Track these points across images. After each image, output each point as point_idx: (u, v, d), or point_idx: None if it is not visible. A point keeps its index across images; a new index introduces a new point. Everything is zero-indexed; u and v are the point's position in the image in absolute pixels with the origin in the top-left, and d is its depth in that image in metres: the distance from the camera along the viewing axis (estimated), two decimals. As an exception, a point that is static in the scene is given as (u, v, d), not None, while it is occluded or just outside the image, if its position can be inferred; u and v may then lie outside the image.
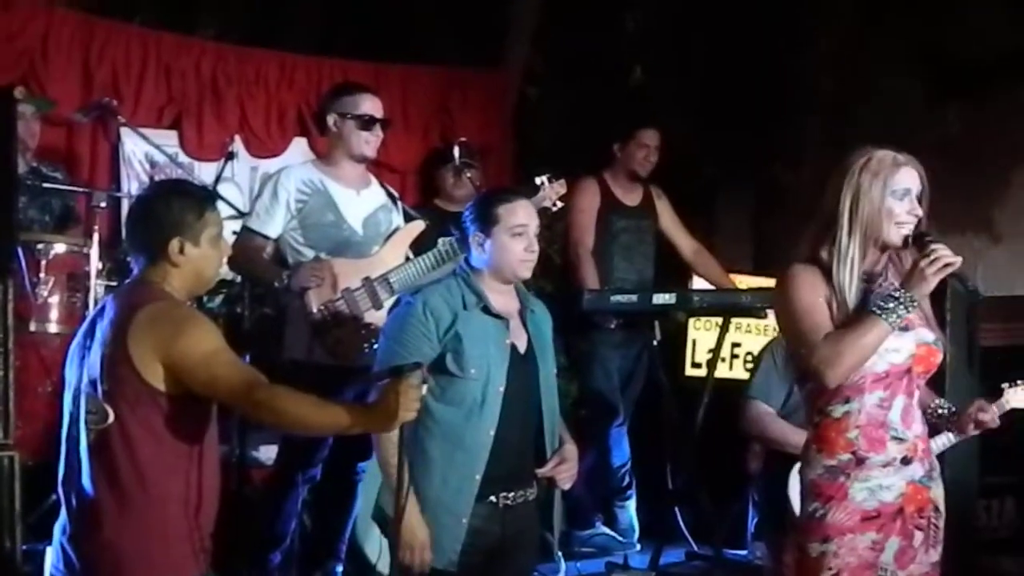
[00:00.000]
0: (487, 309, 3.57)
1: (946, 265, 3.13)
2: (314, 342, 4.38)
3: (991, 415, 3.60)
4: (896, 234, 3.22)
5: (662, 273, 6.07)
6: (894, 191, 3.22)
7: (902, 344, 3.24)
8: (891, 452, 3.25)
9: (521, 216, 3.60)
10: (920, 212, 3.24)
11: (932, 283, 3.16)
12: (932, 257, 3.13)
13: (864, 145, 3.31)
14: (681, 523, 5.71)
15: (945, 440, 4.73)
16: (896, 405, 3.25)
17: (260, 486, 4.93)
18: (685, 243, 6.06)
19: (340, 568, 4.58)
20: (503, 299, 3.62)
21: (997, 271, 6.43)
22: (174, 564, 2.95)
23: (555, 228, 6.21)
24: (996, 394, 4.95)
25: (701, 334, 6.24)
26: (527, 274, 3.64)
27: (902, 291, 3.16)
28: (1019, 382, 4.83)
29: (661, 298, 5.38)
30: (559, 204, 4.90)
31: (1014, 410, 4.98)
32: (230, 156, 5.48)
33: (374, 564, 4.75)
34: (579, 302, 5.40)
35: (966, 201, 6.50)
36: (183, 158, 6.01)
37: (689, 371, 6.24)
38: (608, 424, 5.82)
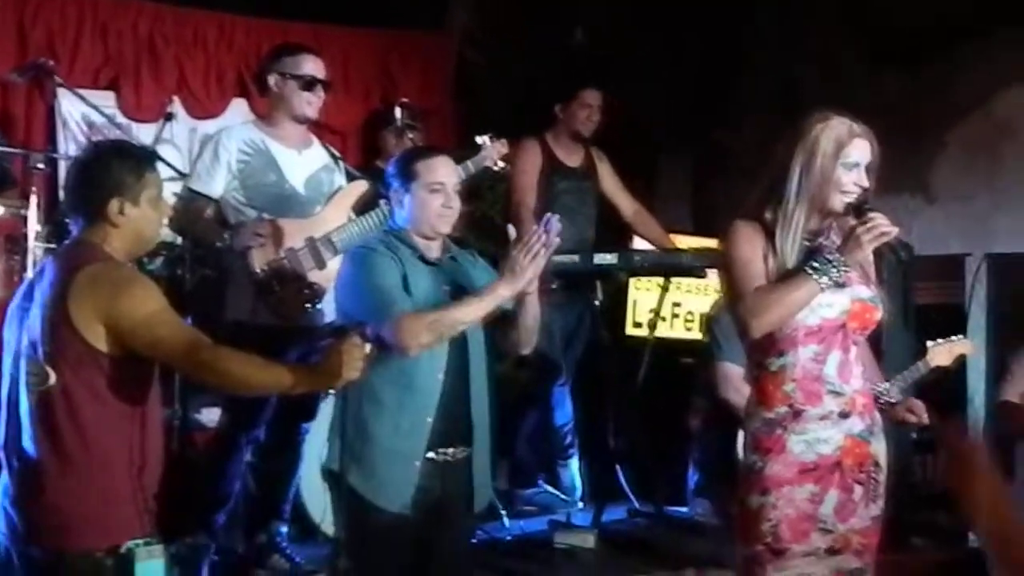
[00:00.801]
0: (423, 258, 3.62)
1: (882, 234, 3.22)
2: (257, 303, 4.37)
3: (917, 417, 3.66)
4: (840, 202, 3.29)
5: (603, 234, 6.09)
6: (846, 163, 3.29)
7: (836, 300, 3.31)
8: (828, 405, 3.32)
9: (439, 172, 3.65)
10: (866, 183, 3.30)
11: (867, 250, 3.26)
12: (869, 225, 3.21)
13: (810, 110, 3.38)
14: (623, 481, 5.76)
15: (915, 371, 4.85)
16: (832, 359, 3.32)
17: (203, 448, 4.91)
18: (626, 204, 6.09)
19: (285, 529, 4.60)
20: (432, 251, 3.68)
21: (932, 231, 6.53)
22: (117, 525, 2.94)
23: (497, 189, 6.23)
24: (923, 352, 5.07)
25: (642, 294, 6.28)
26: (446, 229, 3.67)
27: (836, 255, 3.24)
28: (940, 340, 4.94)
29: (602, 258, 5.41)
30: (501, 164, 4.92)
31: (943, 367, 5.10)
32: (169, 117, 5.44)
33: (319, 524, 4.78)
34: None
35: (903, 163, 6.56)
36: (121, 119, 5.95)
37: (630, 331, 6.29)
38: (551, 384, 5.86)
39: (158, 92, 6.04)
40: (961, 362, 5.27)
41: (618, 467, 5.72)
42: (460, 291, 3.63)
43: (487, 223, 6.37)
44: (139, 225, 3.05)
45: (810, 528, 3.30)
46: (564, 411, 5.93)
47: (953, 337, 5.07)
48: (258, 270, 4.37)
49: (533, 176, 5.84)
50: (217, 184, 4.52)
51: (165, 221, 3.23)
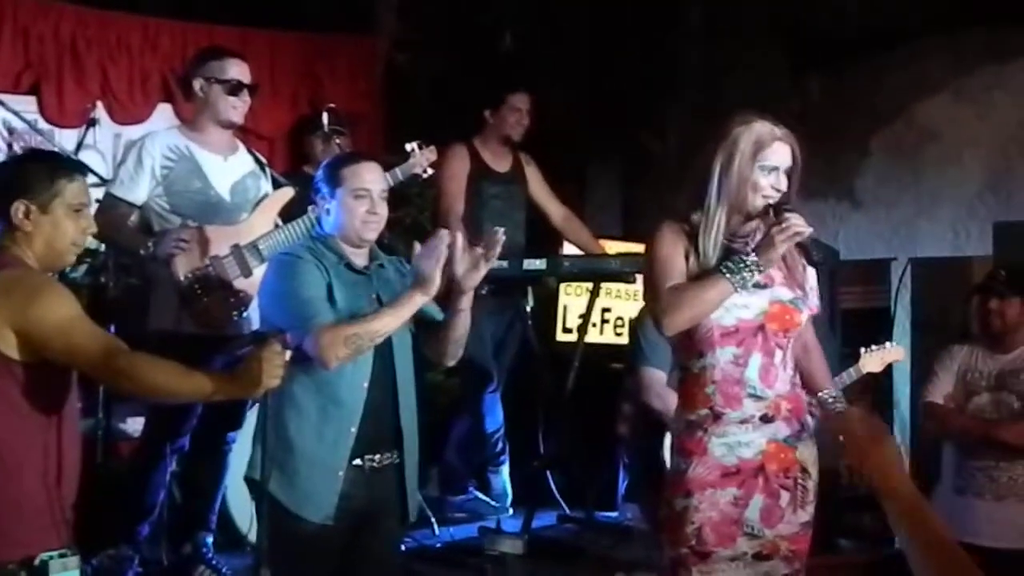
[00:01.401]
0: (350, 266, 3.60)
1: (796, 233, 3.25)
2: (182, 311, 4.31)
3: None
4: (759, 204, 3.32)
5: (533, 240, 6.10)
6: (763, 166, 3.32)
7: (753, 301, 3.33)
8: (748, 409, 3.33)
9: (364, 178, 3.64)
10: (783, 186, 3.33)
11: (781, 249, 3.27)
12: (784, 225, 3.24)
13: (733, 114, 3.41)
14: (553, 487, 5.76)
15: (846, 377, 4.90)
16: (753, 363, 3.33)
17: (127, 458, 4.84)
18: (555, 209, 6.09)
19: (211, 539, 4.54)
20: (359, 259, 3.66)
21: (857, 236, 6.62)
22: (31, 536, 2.87)
23: (426, 195, 6.20)
24: (855, 357, 5.13)
25: (572, 300, 6.29)
26: (372, 236, 3.66)
27: (751, 255, 3.26)
28: (874, 348, 5.01)
29: (532, 264, 5.42)
30: (430, 171, 4.90)
31: (871, 373, 5.17)
32: (92, 122, 5.38)
33: (245, 534, 4.74)
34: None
35: (828, 169, 6.65)
36: (43, 125, 5.83)
37: (560, 336, 6.29)
38: (481, 390, 5.84)
39: (81, 97, 5.94)
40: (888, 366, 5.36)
41: (548, 473, 5.72)
42: (389, 300, 3.61)
43: (417, 229, 6.35)
44: (49, 234, 2.98)
45: (735, 532, 3.31)
46: (495, 418, 5.91)
47: (886, 344, 5.15)
48: (182, 278, 4.31)
49: (462, 182, 5.83)
50: (141, 190, 4.46)
51: (87, 236, 3.11)
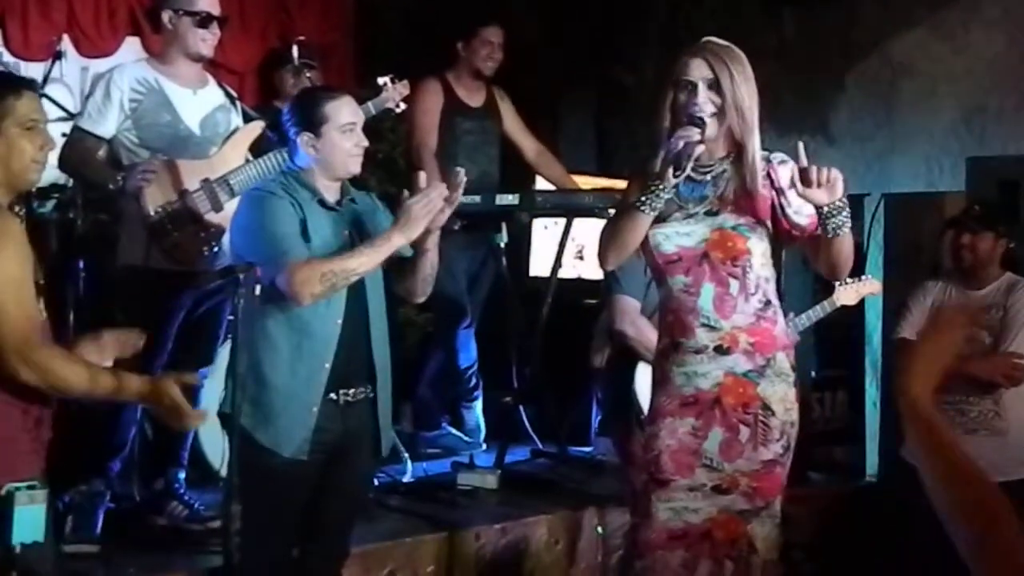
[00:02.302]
0: (323, 203, 3.58)
1: (688, 143, 3.19)
2: (151, 246, 4.27)
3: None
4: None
5: (507, 175, 6.07)
6: (678, 81, 3.29)
7: (695, 228, 3.32)
8: (701, 339, 3.31)
9: (349, 113, 3.62)
10: (701, 101, 3.26)
11: (670, 164, 3.19)
12: (677, 135, 3.21)
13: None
14: (526, 422, 5.79)
15: (820, 310, 4.92)
16: (705, 292, 3.31)
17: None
18: (528, 144, 6.05)
19: (183, 474, 4.53)
20: (332, 194, 3.63)
21: (831, 172, 6.60)
22: (10, 464, 2.82)
23: (399, 130, 6.15)
24: (829, 291, 5.14)
25: (545, 235, 6.27)
26: (358, 169, 3.66)
27: (651, 179, 3.24)
28: (849, 280, 5.01)
29: (504, 199, 5.40)
30: (402, 105, 4.86)
31: (844, 306, 5.19)
32: (58, 56, 5.28)
33: (217, 469, 4.74)
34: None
35: (802, 103, 6.64)
36: (8, 58, 5.75)
37: (533, 271, 6.28)
38: (455, 326, 5.84)
39: (46, 29, 5.83)
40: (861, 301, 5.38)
41: (521, 408, 5.73)
42: (361, 236, 3.60)
43: (390, 164, 6.31)
44: (4, 156, 2.84)
45: (693, 462, 3.31)
46: (468, 353, 5.92)
47: (861, 277, 5.16)
48: (152, 213, 4.26)
49: (435, 116, 5.78)
50: (109, 124, 4.39)
51: (44, 154, 2.94)
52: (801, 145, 3.20)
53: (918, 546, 4.67)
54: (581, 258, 6.23)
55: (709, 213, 3.31)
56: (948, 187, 6.09)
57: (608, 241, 3.33)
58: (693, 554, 3.34)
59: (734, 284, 3.32)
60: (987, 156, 5.87)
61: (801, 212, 3.35)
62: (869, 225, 6.08)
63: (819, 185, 3.15)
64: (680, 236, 3.32)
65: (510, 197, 5.41)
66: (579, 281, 6.15)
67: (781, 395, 3.36)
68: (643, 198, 3.24)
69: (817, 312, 5.11)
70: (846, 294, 5.11)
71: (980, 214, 4.88)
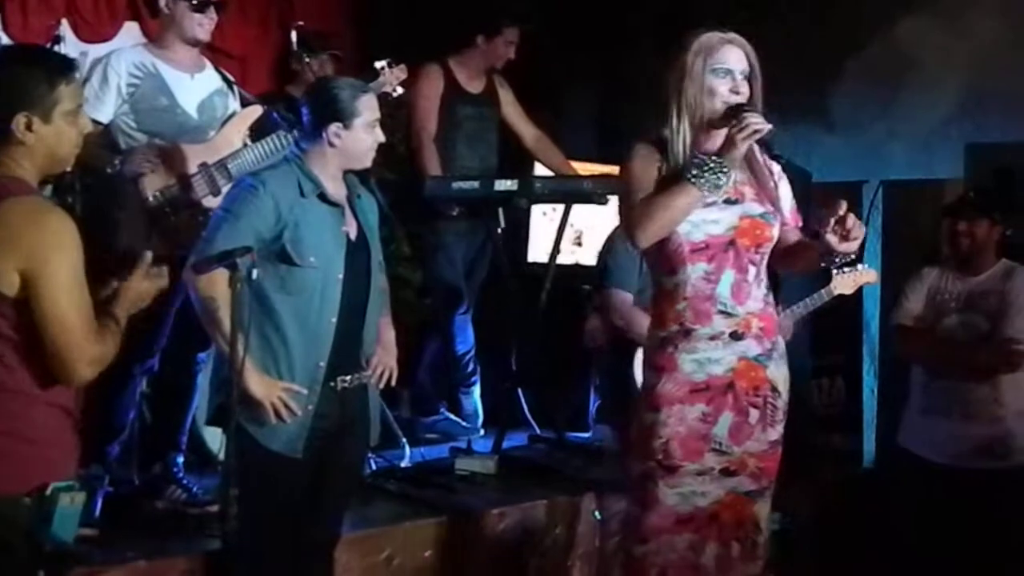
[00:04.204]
0: (324, 196, 3.57)
1: (755, 131, 3.23)
2: (150, 231, 4.28)
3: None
4: (719, 108, 3.31)
5: (507, 162, 6.06)
6: (715, 69, 3.31)
7: (723, 216, 3.33)
8: (718, 326, 3.34)
9: (376, 109, 3.65)
10: (743, 90, 3.31)
11: (742, 148, 3.25)
12: (742, 124, 3.22)
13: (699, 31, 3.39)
14: (524, 407, 5.79)
15: (818, 298, 4.92)
16: (725, 279, 3.34)
17: (96, 379, 4.81)
18: (527, 131, 6.06)
19: (181, 459, 4.54)
20: (336, 186, 3.63)
21: (830, 158, 6.59)
22: (54, 465, 2.78)
23: (398, 116, 6.14)
24: (827, 279, 5.14)
25: (543, 221, 6.26)
26: (370, 163, 3.69)
27: (713, 157, 3.24)
28: (846, 269, 5.01)
29: (503, 184, 5.41)
30: (400, 90, 4.85)
31: (842, 294, 5.19)
32: (57, 40, 5.26)
33: (216, 453, 4.75)
34: (421, 189, 5.39)
35: (802, 90, 6.62)
36: (7, 42, 5.74)
37: (532, 257, 6.28)
38: (453, 312, 5.84)
39: (45, 14, 5.81)
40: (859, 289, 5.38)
41: (519, 394, 5.74)
42: (360, 235, 3.62)
43: (389, 151, 6.29)
44: (51, 143, 2.76)
45: (703, 447, 3.34)
46: (466, 339, 5.92)
47: (858, 266, 5.16)
48: (150, 197, 4.28)
49: (435, 102, 5.79)
50: (107, 108, 4.40)
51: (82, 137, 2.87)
52: (844, 204, 3.24)
53: (914, 533, 4.69)
54: (579, 244, 6.23)
55: (729, 201, 3.33)
56: (947, 174, 6.08)
57: (655, 218, 3.25)
58: (701, 536, 3.37)
59: (752, 271, 3.37)
60: (986, 143, 5.86)
61: (786, 207, 3.47)
62: (867, 212, 6.08)
63: (854, 238, 3.24)
64: (708, 224, 3.32)
65: (509, 183, 5.42)
66: (577, 267, 6.15)
67: (784, 376, 3.46)
68: (702, 179, 3.23)
69: (814, 300, 5.11)
70: (843, 283, 5.12)
71: (977, 201, 4.89)
